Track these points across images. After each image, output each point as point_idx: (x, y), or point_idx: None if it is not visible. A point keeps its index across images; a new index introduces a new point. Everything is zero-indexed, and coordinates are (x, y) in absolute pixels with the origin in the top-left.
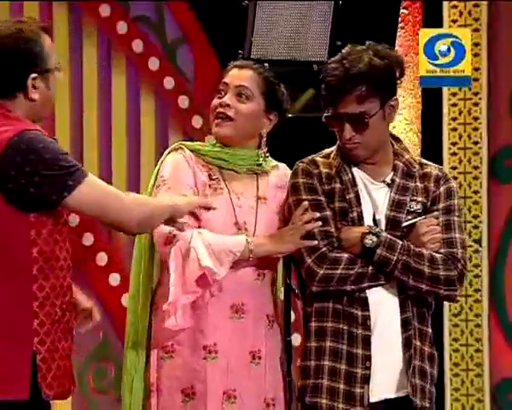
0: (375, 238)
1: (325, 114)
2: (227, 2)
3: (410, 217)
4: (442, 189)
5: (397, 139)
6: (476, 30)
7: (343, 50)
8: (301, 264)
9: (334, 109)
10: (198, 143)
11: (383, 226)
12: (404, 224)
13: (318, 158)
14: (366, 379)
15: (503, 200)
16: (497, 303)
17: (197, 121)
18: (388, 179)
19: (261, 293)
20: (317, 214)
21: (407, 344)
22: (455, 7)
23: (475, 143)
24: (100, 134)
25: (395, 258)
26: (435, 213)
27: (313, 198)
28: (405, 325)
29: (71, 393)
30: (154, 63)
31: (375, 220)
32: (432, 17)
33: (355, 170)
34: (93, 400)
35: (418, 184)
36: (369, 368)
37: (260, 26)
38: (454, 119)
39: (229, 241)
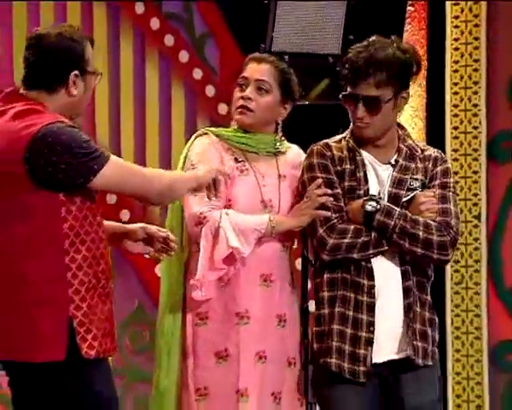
0: (374, 203)
1: (343, 92)
2: (250, 1)
3: (409, 193)
4: (439, 168)
5: (402, 127)
6: (476, 25)
7: (369, 38)
8: (313, 235)
9: (353, 89)
10: (222, 128)
11: (386, 201)
12: (404, 199)
13: (331, 142)
14: (370, 342)
15: (500, 179)
16: (495, 273)
17: (222, 108)
18: (393, 161)
19: (286, 263)
20: (329, 191)
21: (408, 310)
22: (457, 4)
23: (475, 127)
24: (135, 121)
25: (393, 223)
26: (432, 188)
27: (326, 177)
28: (406, 292)
29: (114, 351)
30: (183, 56)
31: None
32: (435, 14)
33: (364, 153)
34: (130, 360)
35: (419, 164)
36: (372, 332)
37: (280, 22)
38: (455, 106)
39: (254, 220)
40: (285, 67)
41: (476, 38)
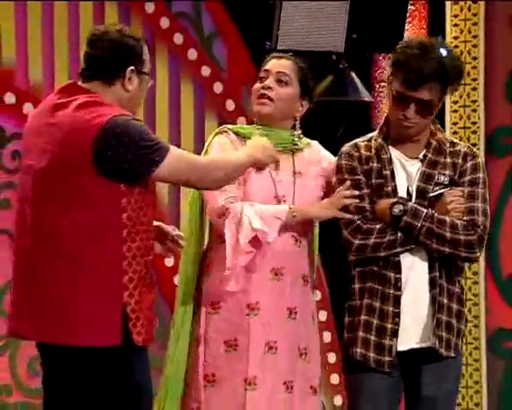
0: (401, 207)
1: (394, 93)
2: (256, 1)
3: (437, 188)
4: (469, 164)
5: (433, 121)
6: (475, 24)
7: (418, 40)
8: (339, 236)
9: (408, 91)
10: (239, 125)
11: (414, 196)
12: (431, 194)
13: (360, 142)
14: (395, 333)
15: (498, 172)
16: (493, 263)
17: (229, 105)
18: (421, 156)
19: (298, 257)
20: (356, 192)
21: (433, 301)
22: (456, 3)
23: (474, 123)
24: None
25: (419, 224)
26: (460, 187)
27: (352, 178)
28: (432, 283)
29: (153, 340)
30: (192, 54)
31: (408, 192)
32: (435, 12)
33: (392, 149)
34: None
35: (448, 159)
36: (397, 324)
37: (285, 21)
38: (455, 102)
39: (275, 208)
40: (305, 66)
41: (475, 37)
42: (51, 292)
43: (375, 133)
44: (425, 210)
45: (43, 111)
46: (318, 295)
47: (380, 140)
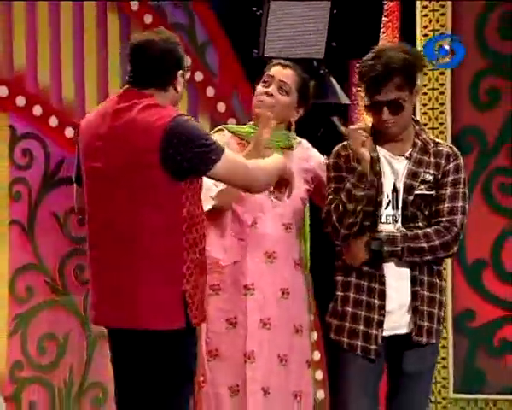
0: (376, 242)
1: (366, 103)
2: (245, 12)
3: (422, 186)
4: (452, 165)
5: (417, 122)
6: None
7: (375, 49)
8: (326, 226)
9: (375, 98)
10: (236, 125)
11: (401, 192)
12: (416, 192)
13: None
14: (380, 324)
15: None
16: (458, 250)
17: (221, 107)
18: (407, 154)
19: (289, 242)
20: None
21: (414, 296)
22: (426, 15)
23: (441, 123)
24: None
25: (399, 248)
26: (444, 185)
27: (337, 174)
28: (413, 280)
29: (205, 319)
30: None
31: (395, 188)
32: (407, 24)
33: (379, 148)
34: None
35: (432, 159)
36: (383, 315)
37: (271, 31)
38: (424, 105)
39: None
40: (306, 77)
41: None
42: (123, 283)
43: None
44: (398, 234)
45: (104, 116)
46: None
47: None
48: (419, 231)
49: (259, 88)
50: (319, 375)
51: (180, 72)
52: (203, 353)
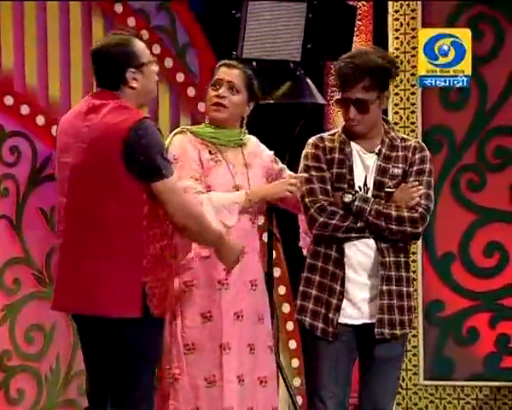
0: (350, 196)
1: (336, 98)
2: (224, 16)
3: (391, 183)
4: (417, 156)
5: (386, 121)
6: (413, 37)
7: (352, 50)
8: (305, 212)
9: (344, 95)
10: (195, 126)
11: (371, 188)
12: (386, 190)
13: (325, 135)
14: (338, 308)
15: (433, 166)
16: (428, 244)
17: (201, 106)
18: (377, 150)
19: (255, 238)
20: (305, 175)
21: (381, 290)
22: (397, 19)
23: (412, 123)
24: None
25: (369, 207)
26: (410, 175)
27: (317, 165)
28: (381, 269)
29: (166, 313)
30: (168, 62)
31: (366, 183)
32: (379, 27)
33: (352, 144)
34: None
35: (400, 153)
36: (341, 300)
37: (249, 34)
38: (396, 104)
39: (233, 195)
40: (251, 73)
41: (413, 48)
42: (85, 272)
43: (339, 129)
44: (372, 198)
45: (78, 115)
46: (278, 271)
47: (343, 135)
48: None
49: (211, 92)
50: (295, 363)
51: (130, 69)
52: (180, 346)
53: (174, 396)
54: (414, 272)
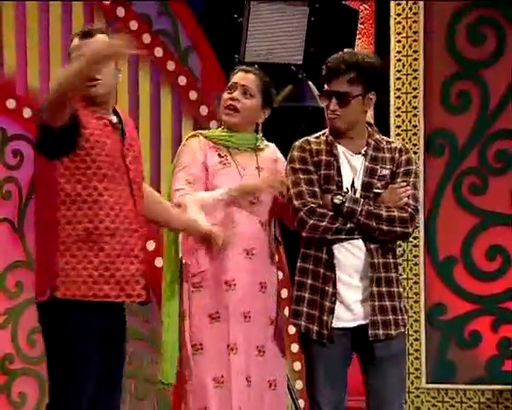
0: (340, 197)
1: (320, 90)
2: (226, 19)
3: (379, 184)
4: (403, 157)
5: (371, 125)
6: (415, 40)
7: (346, 49)
8: (294, 215)
9: (328, 87)
10: (209, 130)
11: (359, 189)
12: (375, 190)
13: (311, 138)
14: (332, 310)
15: (435, 170)
16: (430, 247)
17: (203, 110)
18: (363, 151)
19: (265, 239)
20: (285, 180)
21: (370, 286)
22: (399, 23)
23: (414, 126)
24: None
25: (359, 208)
26: (397, 176)
27: (304, 167)
28: (371, 271)
29: (98, 297)
30: (170, 65)
31: (353, 184)
32: (382, 30)
33: (339, 146)
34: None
35: (386, 155)
36: (334, 302)
37: (252, 37)
38: (398, 108)
39: (216, 191)
40: (267, 79)
41: (415, 51)
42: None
43: (325, 131)
44: (362, 199)
45: None
46: (280, 274)
47: (330, 137)
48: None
49: (225, 95)
50: (297, 366)
51: None
52: (188, 347)
53: (184, 397)
54: (416, 275)
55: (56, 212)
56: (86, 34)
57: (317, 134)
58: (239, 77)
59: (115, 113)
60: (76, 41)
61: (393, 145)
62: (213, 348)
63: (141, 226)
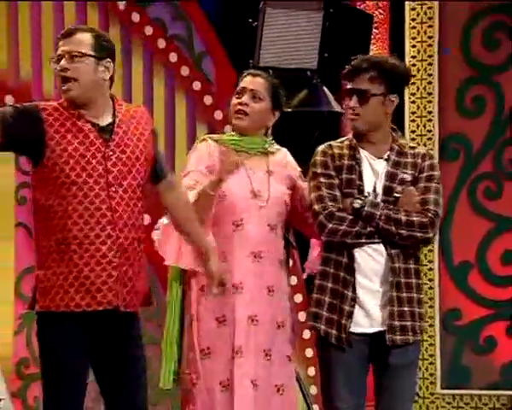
0: (360, 201)
1: (343, 88)
2: (241, 24)
3: (400, 188)
4: (426, 163)
5: (395, 130)
6: (430, 45)
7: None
8: (314, 220)
9: (350, 84)
10: (219, 134)
11: (381, 193)
12: (394, 194)
13: (334, 143)
14: (350, 314)
15: (450, 175)
16: (446, 253)
17: (218, 115)
18: (386, 156)
19: (274, 242)
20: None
21: (391, 297)
22: (414, 27)
23: (429, 131)
24: None
25: (379, 212)
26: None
27: (325, 171)
28: (391, 275)
29: (70, 307)
30: (185, 70)
31: (375, 189)
32: (396, 35)
33: (362, 150)
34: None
35: (409, 159)
36: (353, 306)
37: (266, 42)
38: (413, 113)
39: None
40: (276, 81)
41: (430, 56)
42: None
43: (349, 136)
44: (381, 203)
45: None
46: (295, 279)
47: (353, 141)
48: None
49: (234, 100)
50: (312, 371)
51: None
52: (196, 351)
53: (192, 401)
54: (431, 280)
55: (36, 224)
56: (67, 34)
57: (341, 139)
58: (247, 81)
59: (114, 110)
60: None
61: (417, 150)
62: (220, 352)
63: (120, 230)
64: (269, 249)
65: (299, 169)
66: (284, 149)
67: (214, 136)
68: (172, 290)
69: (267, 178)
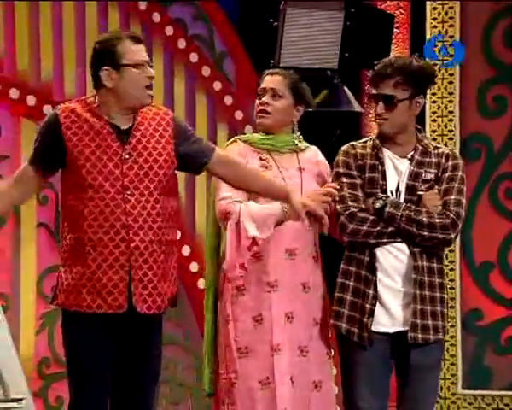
0: (381, 201)
1: (368, 94)
2: (262, 24)
3: (423, 186)
4: (450, 163)
5: (420, 130)
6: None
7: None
8: (336, 220)
9: (375, 90)
10: (248, 135)
11: (404, 193)
12: (419, 192)
13: (357, 143)
14: (371, 313)
15: (471, 174)
16: (467, 253)
17: (238, 115)
18: (409, 156)
19: (308, 239)
20: (336, 185)
21: (414, 296)
22: (434, 27)
23: (450, 131)
24: None
25: (400, 213)
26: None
27: (347, 171)
28: (414, 273)
29: (79, 307)
30: (206, 71)
31: (398, 188)
32: (417, 35)
33: (385, 150)
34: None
35: (433, 159)
36: (374, 305)
37: (287, 42)
38: (434, 112)
39: (270, 207)
40: (295, 77)
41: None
42: None
43: (372, 136)
44: (403, 203)
45: None
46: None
47: (376, 141)
48: (423, 208)
49: (256, 102)
50: (333, 371)
51: (105, 68)
52: (233, 351)
53: (231, 401)
54: (452, 280)
55: (61, 222)
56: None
57: (364, 139)
58: (267, 81)
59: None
60: (129, 44)
61: (441, 150)
62: (258, 351)
63: (135, 233)
64: (303, 246)
65: (328, 167)
66: (314, 147)
67: (243, 136)
68: (209, 297)
69: (299, 175)
